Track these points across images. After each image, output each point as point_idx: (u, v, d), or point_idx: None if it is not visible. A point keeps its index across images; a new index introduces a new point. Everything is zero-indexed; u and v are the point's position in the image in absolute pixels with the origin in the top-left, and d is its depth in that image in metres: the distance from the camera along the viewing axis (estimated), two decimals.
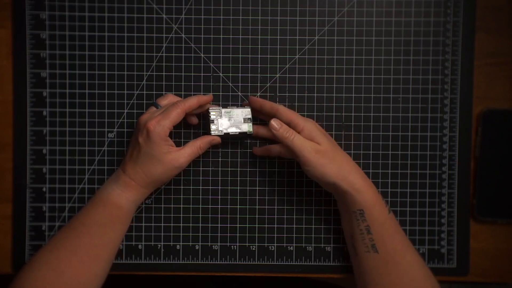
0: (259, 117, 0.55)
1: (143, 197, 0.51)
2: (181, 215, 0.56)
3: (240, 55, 0.56)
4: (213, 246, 0.56)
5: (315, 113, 0.56)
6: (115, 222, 0.49)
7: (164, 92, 0.56)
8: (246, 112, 0.53)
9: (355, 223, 0.49)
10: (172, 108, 0.49)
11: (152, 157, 0.48)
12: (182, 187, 0.56)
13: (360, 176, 0.50)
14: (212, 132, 0.52)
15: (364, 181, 0.50)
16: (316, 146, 0.49)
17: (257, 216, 0.56)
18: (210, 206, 0.56)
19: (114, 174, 0.51)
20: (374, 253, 0.48)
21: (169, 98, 0.53)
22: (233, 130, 0.52)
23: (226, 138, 0.53)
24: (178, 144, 0.55)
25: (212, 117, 0.52)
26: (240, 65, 0.56)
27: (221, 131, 0.52)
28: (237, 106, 0.55)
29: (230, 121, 0.52)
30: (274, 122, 0.50)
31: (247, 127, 0.53)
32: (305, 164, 0.49)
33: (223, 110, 0.52)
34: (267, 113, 0.52)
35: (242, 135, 0.53)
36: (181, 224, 0.56)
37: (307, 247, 0.56)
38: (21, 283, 0.46)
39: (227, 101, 0.56)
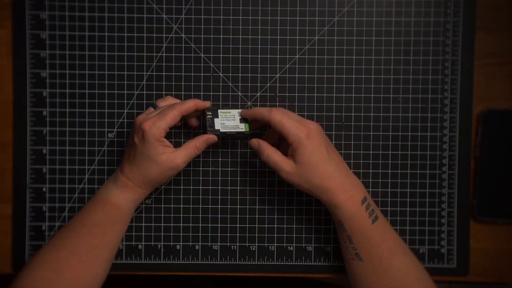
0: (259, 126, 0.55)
1: (141, 197, 0.51)
2: (181, 215, 0.56)
3: (240, 55, 0.56)
4: (213, 246, 0.56)
5: (315, 113, 0.56)
6: (115, 223, 0.49)
7: (164, 92, 0.56)
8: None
9: (338, 231, 0.50)
10: (168, 110, 0.48)
11: (147, 158, 0.48)
12: (182, 187, 0.56)
13: (340, 189, 0.48)
14: (208, 132, 0.52)
15: (345, 194, 0.48)
16: (291, 165, 0.48)
17: (257, 216, 0.56)
18: (210, 206, 0.56)
19: (113, 174, 0.51)
20: (359, 261, 0.48)
21: (168, 100, 0.52)
22: (229, 130, 0.52)
23: (224, 137, 0.53)
24: (178, 145, 0.55)
25: (209, 117, 0.52)
26: (240, 65, 0.56)
27: (218, 130, 0.52)
28: (235, 107, 0.55)
29: (227, 121, 0.52)
30: (251, 143, 0.51)
31: (244, 127, 0.52)
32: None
33: (220, 111, 0.52)
34: (263, 122, 0.52)
35: (239, 134, 0.53)
36: (181, 224, 0.56)
37: (307, 247, 0.56)
38: (21, 283, 0.46)
39: (227, 101, 0.56)
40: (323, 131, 0.50)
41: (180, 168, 0.49)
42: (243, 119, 0.52)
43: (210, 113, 0.52)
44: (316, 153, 0.47)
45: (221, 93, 0.56)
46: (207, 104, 0.52)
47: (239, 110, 0.52)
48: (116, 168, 0.53)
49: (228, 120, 0.52)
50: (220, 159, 0.56)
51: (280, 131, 0.48)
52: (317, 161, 0.47)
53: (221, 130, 0.52)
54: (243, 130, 0.52)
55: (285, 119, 0.48)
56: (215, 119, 0.52)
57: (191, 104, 0.50)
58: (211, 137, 0.51)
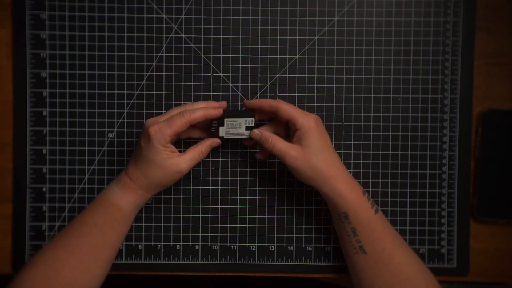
0: (264, 118, 0.55)
1: (142, 199, 0.50)
2: (181, 215, 0.56)
3: (240, 55, 0.56)
4: (213, 246, 0.56)
5: (315, 113, 0.56)
6: (115, 224, 0.49)
7: (164, 93, 0.56)
8: (250, 121, 0.52)
9: (341, 226, 0.50)
10: (176, 117, 0.48)
11: (152, 162, 0.48)
12: (182, 187, 0.56)
13: (343, 179, 0.49)
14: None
15: (347, 184, 0.49)
16: (297, 150, 0.49)
17: (257, 216, 0.56)
18: (210, 206, 0.56)
19: (119, 175, 0.51)
20: (362, 254, 0.48)
21: (197, 105, 0.51)
22: (234, 137, 0.52)
23: (228, 140, 0.52)
24: (179, 146, 0.55)
25: (214, 124, 0.51)
26: (240, 65, 0.56)
27: (222, 137, 0.51)
28: (240, 112, 0.54)
29: (232, 129, 0.52)
30: (252, 134, 0.51)
31: (249, 134, 0.52)
32: (289, 168, 0.50)
33: (226, 119, 0.51)
34: (267, 113, 0.52)
35: (244, 141, 0.52)
36: (181, 224, 0.56)
37: (307, 247, 0.56)
38: (19, 281, 0.46)
39: (227, 101, 0.56)
40: None
41: (184, 172, 0.49)
42: (249, 127, 0.52)
43: (216, 121, 0.51)
44: (323, 139, 0.49)
45: (221, 93, 0.56)
46: (220, 112, 0.50)
47: (245, 119, 0.52)
48: (118, 168, 0.53)
49: (234, 128, 0.51)
50: (220, 159, 0.56)
51: (289, 118, 0.49)
52: (324, 146, 0.49)
53: (225, 137, 0.52)
54: (248, 137, 0.52)
55: (292, 107, 0.50)
56: (220, 127, 0.51)
57: (201, 114, 0.49)
58: (215, 141, 0.51)
